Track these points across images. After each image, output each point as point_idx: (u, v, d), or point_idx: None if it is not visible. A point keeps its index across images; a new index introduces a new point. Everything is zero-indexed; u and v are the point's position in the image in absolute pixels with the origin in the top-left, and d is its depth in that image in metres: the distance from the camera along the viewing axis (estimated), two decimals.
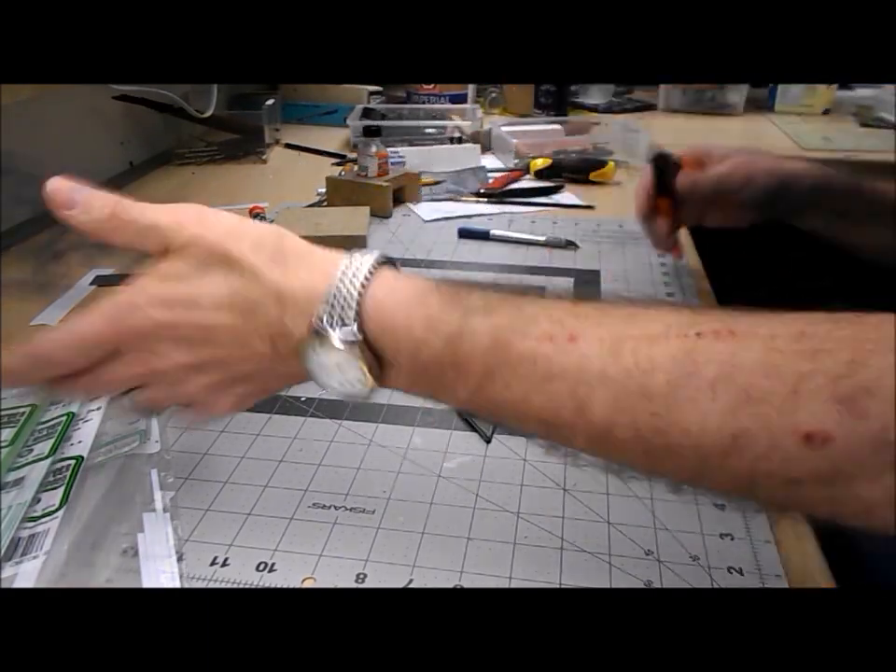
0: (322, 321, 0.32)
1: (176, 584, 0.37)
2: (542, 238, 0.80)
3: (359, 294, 0.32)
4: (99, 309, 0.34)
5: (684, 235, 0.83)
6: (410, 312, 0.32)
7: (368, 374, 0.32)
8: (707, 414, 0.27)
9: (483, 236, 0.82)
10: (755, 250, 0.98)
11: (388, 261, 0.34)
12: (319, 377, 0.34)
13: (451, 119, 1.24)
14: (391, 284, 0.33)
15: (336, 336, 0.32)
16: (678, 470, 0.29)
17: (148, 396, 0.36)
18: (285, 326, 0.33)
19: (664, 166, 0.67)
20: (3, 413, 0.49)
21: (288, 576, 0.38)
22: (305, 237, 0.81)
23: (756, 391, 0.26)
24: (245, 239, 0.34)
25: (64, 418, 0.48)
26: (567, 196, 0.96)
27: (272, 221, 0.82)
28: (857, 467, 0.25)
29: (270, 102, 1.20)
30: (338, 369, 0.33)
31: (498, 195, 0.95)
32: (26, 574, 0.37)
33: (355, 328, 0.32)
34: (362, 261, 0.33)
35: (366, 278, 0.32)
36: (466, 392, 0.32)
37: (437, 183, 1.00)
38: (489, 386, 0.31)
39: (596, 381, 0.29)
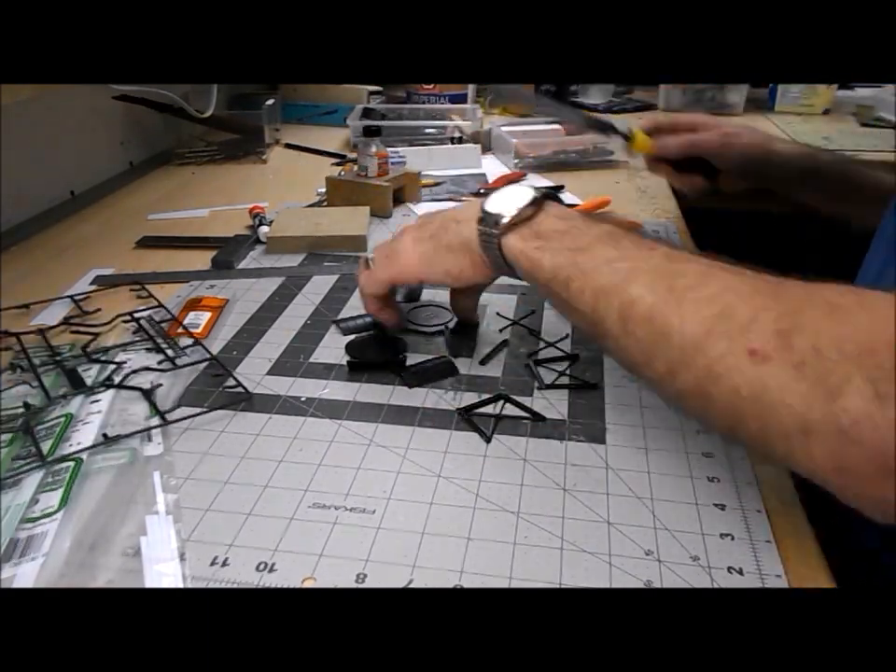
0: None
1: (179, 586, 0.37)
2: None
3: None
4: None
5: (683, 231, 0.83)
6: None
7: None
8: (694, 313, 0.37)
9: None
10: (751, 239, 0.98)
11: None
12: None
13: (451, 119, 1.24)
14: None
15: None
16: (664, 359, 0.38)
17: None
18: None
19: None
20: (2, 414, 0.49)
21: (288, 576, 0.38)
22: (305, 237, 0.80)
23: (728, 309, 0.36)
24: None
25: (63, 419, 0.48)
26: (566, 196, 0.96)
27: (271, 221, 0.82)
28: (782, 387, 0.33)
29: (270, 102, 1.20)
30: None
31: None
32: (25, 575, 0.37)
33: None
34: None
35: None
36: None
37: (437, 184, 1.00)
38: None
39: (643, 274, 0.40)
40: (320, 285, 0.70)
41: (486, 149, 1.16)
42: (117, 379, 0.53)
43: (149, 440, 0.47)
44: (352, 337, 0.60)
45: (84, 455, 0.45)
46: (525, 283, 0.49)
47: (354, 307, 0.66)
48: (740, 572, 0.38)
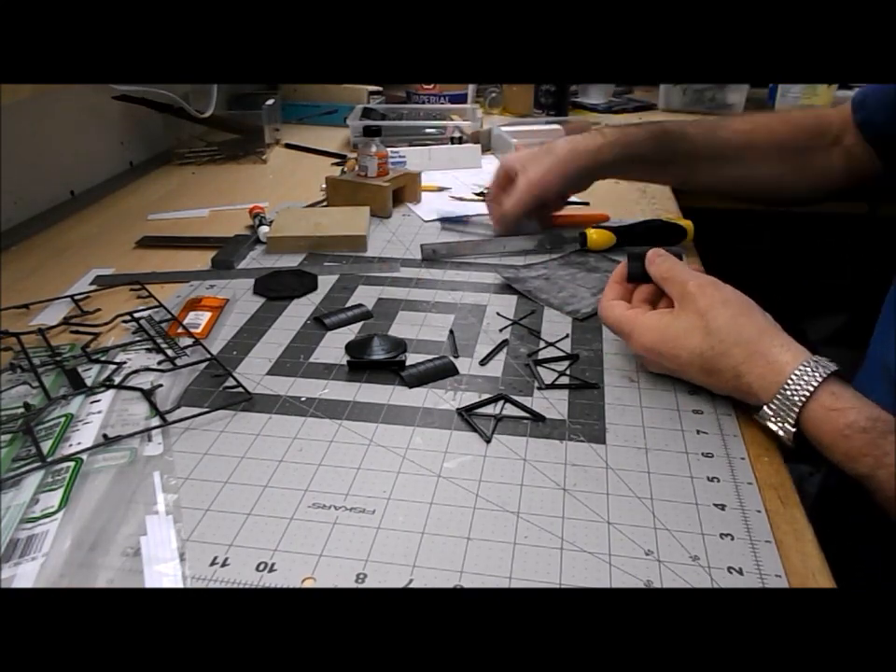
0: (768, 412, 0.46)
1: (179, 586, 0.37)
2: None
3: (802, 406, 0.44)
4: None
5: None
6: (835, 440, 0.43)
7: (792, 441, 0.45)
8: None
9: (460, 221, 0.85)
10: (750, 239, 0.98)
11: (836, 374, 0.44)
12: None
13: (451, 119, 1.24)
14: (829, 406, 0.43)
15: (776, 427, 0.46)
16: None
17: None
18: (738, 391, 0.48)
19: None
20: (2, 414, 0.49)
21: (288, 576, 0.38)
22: (305, 237, 0.80)
23: None
24: (724, 314, 0.48)
25: (63, 419, 0.48)
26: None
27: (271, 221, 0.82)
28: None
29: (270, 102, 1.20)
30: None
31: None
32: (25, 575, 0.37)
33: (791, 434, 0.45)
34: (815, 374, 0.44)
35: (812, 392, 0.44)
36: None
37: (440, 189, 0.99)
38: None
39: None
40: (320, 285, 0.70)
41: (486, 149, 1.16)
42: (117, 379, 0.53)
43: (149, 440, 0.47)
44: (352, 337, 0.60)
45: (84, 456, 0.45)
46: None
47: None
48: (740, 572, 0.38)
